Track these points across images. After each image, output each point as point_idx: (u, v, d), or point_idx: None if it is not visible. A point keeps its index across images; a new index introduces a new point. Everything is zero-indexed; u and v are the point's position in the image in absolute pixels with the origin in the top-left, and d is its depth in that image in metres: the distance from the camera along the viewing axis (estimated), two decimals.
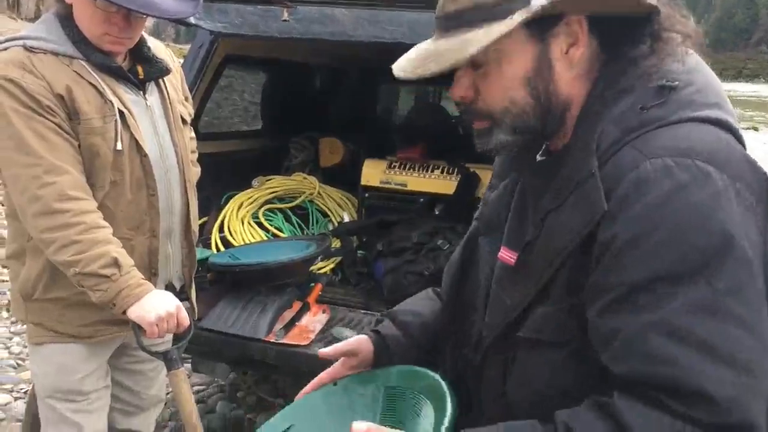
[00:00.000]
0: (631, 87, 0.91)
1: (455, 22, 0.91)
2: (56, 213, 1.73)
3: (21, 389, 3.54)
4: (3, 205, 6.03)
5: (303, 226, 3.59)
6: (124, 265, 1.77)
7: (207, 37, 3.24)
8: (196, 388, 3.60)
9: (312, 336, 2.65)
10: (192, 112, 2.21)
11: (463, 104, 0.97)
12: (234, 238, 3.28)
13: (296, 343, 2.60)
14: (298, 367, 2.53)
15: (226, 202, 3.48)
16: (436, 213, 3.39)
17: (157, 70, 1.99)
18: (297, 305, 2.82)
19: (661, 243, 0.81)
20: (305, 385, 1.19)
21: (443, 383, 0.99)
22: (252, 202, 3.51)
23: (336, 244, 3.37)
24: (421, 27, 2.56)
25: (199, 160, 2.28)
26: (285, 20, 2.78)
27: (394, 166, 3.53)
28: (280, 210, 3.59)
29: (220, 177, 3.32)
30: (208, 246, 3.20)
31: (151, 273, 1.98)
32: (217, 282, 2.90)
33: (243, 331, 2.63)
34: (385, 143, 3.87)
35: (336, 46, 3.70)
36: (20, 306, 1.95)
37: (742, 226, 0.82)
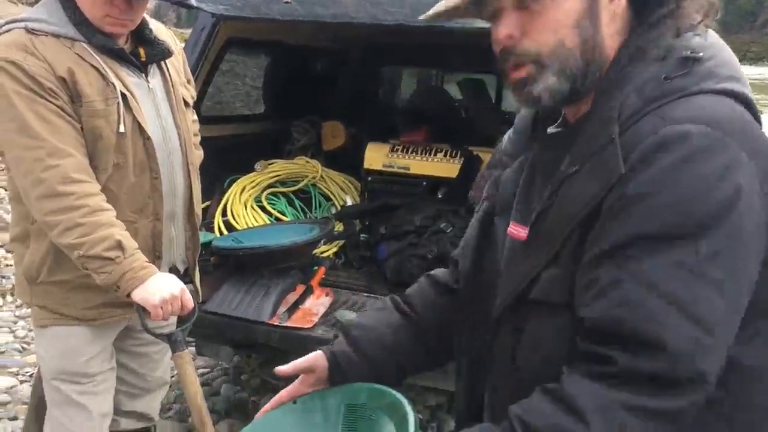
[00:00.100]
0: (656, 56, 0.91)
1: None
2: (60, 196, 1.73)
3: (26, 372, 3.56)
4: (6, 190, 6.05)
5: (306, 209, 3.59)
6: (128, 247, 1.77)
7: (209, 20, 3.22)
8: (200, 371, 3.62)
9: (315, 319, 2.66)
10: (194, 94, 2.21)
11: (505, 48, 0.95)
12: (237, 222, 3.28)
13: (300, 326, 2.61)
14: (302, 350, 2.53)
15: (229, 186, 3.48)
16: (439, 196, 3.38)
17: (159, 53, 1.98)
18: (300, 288, 2.83)
19: (664, 204, 0.83)
20: None
21: (404, 401, 0.98)
22: (255, 186, 3.51)
23: (339, 227, 3.37)
24: (423, 8, 2.54)
25: (202, 143, 2.28)
26: (287, 2, 2.77)
27: (397, 150, 3.52)
28: (283, 194, 3.59)
29: (223, 161, 3.32)
30: (211, 230, 3.20)
31: (155, 256, 1.98)
32: (220, 265, 2.91)
33: (247, 314, 2.64)
34: (388, 127, 3.86)
35: (338, 29, 3.68)
36: (25, 289, 1.96)
37: (748, 199, 0.83)
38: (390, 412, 1.00)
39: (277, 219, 3.41)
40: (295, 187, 3.62)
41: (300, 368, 1.14)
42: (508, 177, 1.09)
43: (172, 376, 2.42)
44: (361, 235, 3.36)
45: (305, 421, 1.10)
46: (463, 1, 0.94)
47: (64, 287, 1.91)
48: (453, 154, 3.41)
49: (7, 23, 1.81)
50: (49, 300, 1.93)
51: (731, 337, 0.85)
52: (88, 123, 1.80)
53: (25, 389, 3.32)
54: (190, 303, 1.88)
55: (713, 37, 0.96)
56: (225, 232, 3.21)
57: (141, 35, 1.96)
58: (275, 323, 2.62)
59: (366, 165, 3.55)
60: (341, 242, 3.30)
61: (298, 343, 2.55)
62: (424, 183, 3.43)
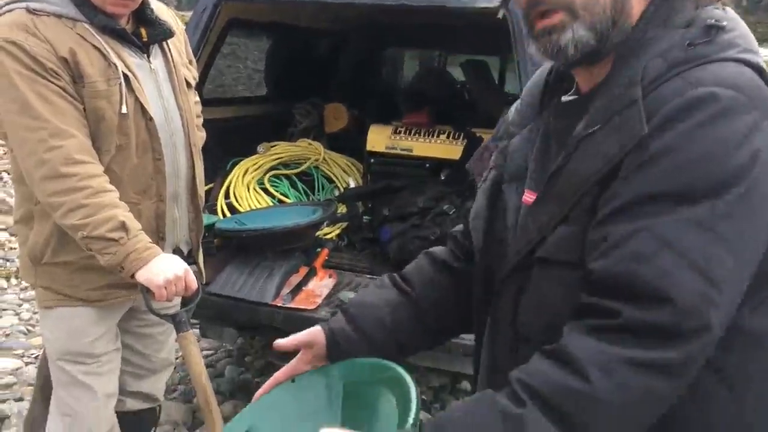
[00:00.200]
0: (679, 24, 0.93)
1: None
2: (63, 177, 1.73)
3: (32, 354, 3.59)
4: (9, 174, 6.06)
5: (309, 192, 3.59)
6: (131, 228, 1.77)
7: (210, 1, 3.20)
8: (204, 352, 3.64)
9: (319, 300, 2.67)
10: (196, 75, 2.20)
11: None
12: (240, 204, 3.28)
13: (303, 307, 2.62)
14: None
15: (232, 169, 3.48)
16: (442, 178, 3.38)
17: (160, 33, 1.97)
18: (303, 270, 2.83)
19: (687, 161, 0.83)
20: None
21: (404, 374, 0.97)
22: (257, 168, 3.50)
23: (342, 209, 3.37)
24: None
25: (204, 125, 2.27)
26: None
27: (400, 132, 3.51)
28: (286, 176, 3.59)
29: (225, 143, 3.31)
30: (214, 212, 3.21)
31: (158, 237, 1.98)
32: (223, 248, 2.91)
33: (250, 296, 2.66)
34: (391, 108, 3.85)
35: (340, 9, 3.66)
36: (29, 270, 1.96)
37: (764, 165, 0.84)
38: (392, 387, 0.98)
39: (280, 201, 3.41)
40: (298, 170, 3.62)
41: (299, 342, 1.13)
42: (516, 146, 1.09)
43: (177, 358, 2.44)
44: (364, 217, 3.36)
45: (305, 399, 1.09)
46: None
47: (69, 268, 1.91)
48: (456, 136, 3.40)
49: (8, 3, 1.81)
50: (53, 281, 1.93)
51: (738, 297, 0.86)
52: (90, 104, 1.80)
53: (31, 371, 3.35)
54: (194, 284, 1.89)
55: (732, 12, 0.97)
56: (228, 214, 3.22)
57: (142, 15, 1.94)
58: (279, 305, 2.63)
59: (369, 147, 3.54)
60: (344, 224, 3.31)
61: (301, 324, 2.51)
62: (427, 165, 3.43)
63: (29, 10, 1.76)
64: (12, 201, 4.28)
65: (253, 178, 3.45)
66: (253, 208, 3.27)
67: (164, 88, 1.98)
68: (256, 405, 1.10)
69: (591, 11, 0.93)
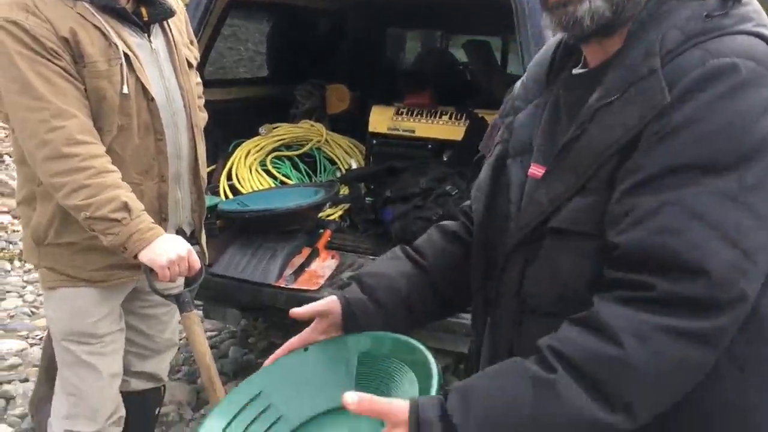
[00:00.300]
0: None
1: None
2: (65, 157, 1.73)
3: (36, 336, 3.61)
4: (11, 157, 6.06)
5: (311, 173, 3.58)
6: (134, 209, 1.77)
7: None
8: (208, 334, 3.65)
9: (321, 281, 2.68)
10: (197, 55, 2.19)
11: None
12: (242, 186, 3.28)
13: (306, 288, 2.63)
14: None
15: (234, 150, 3.47)
16: (445, 159, 3.37)
17: (161, 12, 1.96)
18: (306, 251, 2.84)
19: (709, 133, 0.83)
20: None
21: (423, 348, 0.97)
22: (259, 150, 3.50)
23: (344, 191, 3.37)
24: None
25: (205, 107, 2.26)
26: None
27: (402, 113, 3.50)
28: (288, 158, 3.58)
29: (227, 125, 3.31)
30: (216, 194, 3.21)
31: (161, 218, 1.98)
32: (226, 229, 2.91)
33: (253, 277, 2.66)
34: (393, 90, 3.83)
35: None
36: (33, 251, 1.97)
37: None
38: (408, 360, 0.98)
39: (282, 183, 3.41)
40: (300, 151, 3.61)
41: (315, 311, 1.12)
42: (522, 121, 1.08)
43: (181, 339, 2.45)
44: (367, 198, 3.36)
45: (318, 367, 1.08)
46: None
47: (72, 249, 1.92)
48: (458, 117, 3.39)
49: None
50: (57, 262, 1.94)
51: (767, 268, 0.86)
52: (91, 84, 1.79)
53: (35, 352, 3.37)
54: (197, 264, 1.89)
55: None
56: (230, 195, 3.22)
57: None
58: (281, 285, 2.64)
59: (371, 128, 3.53)
60: (346, 205, 3.31)
61: (304, 304, 2.56)
62: (429, 146, 3.42)
63: None
64: (14, 183, 4.28)
65: (255, 159, 3.44)
66: (256, 189, 3.26)
67: (165, 68, 1.97)
68: (267, 370, 1.09)
69: None
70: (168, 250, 1.80)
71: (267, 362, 1.11)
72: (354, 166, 3.60)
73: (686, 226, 0.82)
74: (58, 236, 1.90)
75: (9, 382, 3.15)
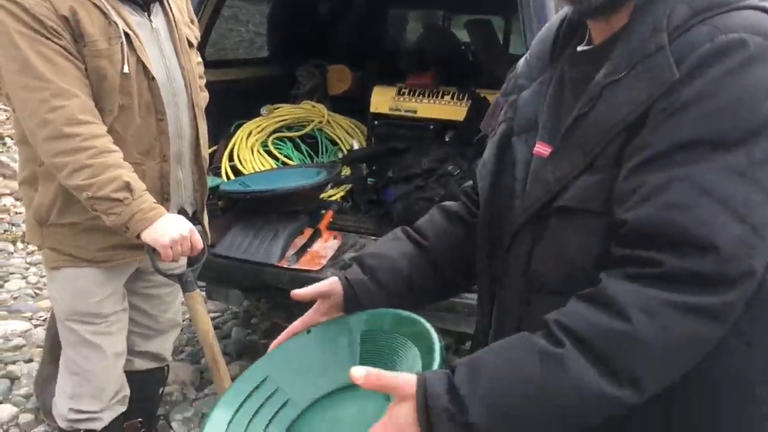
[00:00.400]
0: None
1: None
2: (67, 137, 1.73)
3: (40, 317, 3.62)
4: (12, 139, 6.06)
5: (312, 154, 3.58)
6: (136, 189, 1.77)
7: None
8: (211, 314, 3.67)
9: (324, 261, 2.68)
10: (198, 35, 2.18)
11: None
12: (244, 167, 3.27)
13: (308, 268, 2.63)
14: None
15: (235, 131, 3.46)
16: (447, 139, 3.36)
17: None
18: (308, 232, 2.84)
19: (719, 109, 0.83)
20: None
21: (425, 322, 0.97)
22: (261, 131, 3.49)
23: (346, 171, 3.37)
24: None
25: (206, 87, 2.26)
26: None
27: (404, 93, 3.48)
28: (289, 138, 3.57)
29: (228, 105, 3.29)
30: (218, 174, 3.20)
31: (162, 198, 1.98)
32: (228, 210, 2.92)
33: (256, 257, 2.67)
34: (395, 70, 3.81)
35: None
36: (35, 231, 1.97)
37: None
38: (410, 336, 0.98)
39: (284, 163, 3.40)
40: (302, 132, 3.60)
41: (317, 292, 1.13)
42: (526, 99, 1.07)
43: (184, 320, 2.46)
44: (368, 179, 3.36)
45: (321, 348, 1.08)
46: None
47: (74, 230, 1.92)
48: (460, 97, 3.37)
49: None
50: (59, 242, 1.94)
51: None
52: (91, 63, 1.78)
53: (39, 333, 3.39)
54: (199, 243, 1.89)
55: None
56: (232, 176, 3.21)
57: None
58: (284, 266, 2.65)
59: (372, 109, 3.52)
60: (348, 186, 3.30)
61: (307, 285, 2.56)
62: (431, 126, 3.40)
63: None
64: (16, 165, 4.28)
65: (256, 140, 3.43)
66: (257, 170, 3.26)
67: (166, 47, 1.96)
68: (272, 354, 1.10)
69: None
70: (170, 229, 1.80)
71: (271, 347, 1.12)
72: (356, 146, 3.59)
73: (695, 202, 0.82)
74: (61, 216, 1.90)
75: (14, 362, 3.17)
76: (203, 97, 2.17)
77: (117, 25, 1.81)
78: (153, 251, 1.84)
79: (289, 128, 3.61)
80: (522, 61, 1.15)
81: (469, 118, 3.25)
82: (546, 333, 0.85)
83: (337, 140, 3.64)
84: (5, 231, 4.84)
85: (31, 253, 4.44)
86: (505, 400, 0.83)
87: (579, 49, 1.03)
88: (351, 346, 1.06)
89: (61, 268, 1.97)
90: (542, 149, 1.01)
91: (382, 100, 3.49)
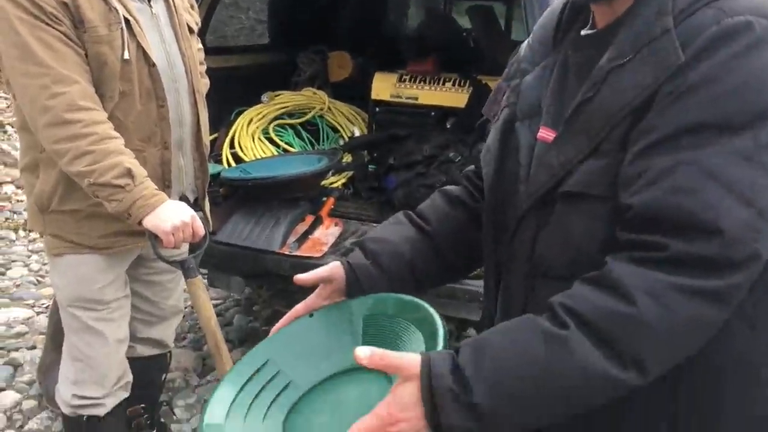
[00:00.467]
0: None
1: None
2: (67, 123, 1.73)
3: (42, 304, 3.64)
4: (13, 127, 6.05)
5: (313, 141, 3.57)
6: (137, 175, 1.77)
7: None
8: (213, 302, 3.66)
9: (325, 248, 2.68)
10: (198, 21, 2.17)
11: None
12: (245, 154, 3.27)
13: (310, 255, 2.64)
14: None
15: (236, 118, 3.46)
16: (448, 126, 3.35)
17: None
18: (310, 219, 2.84)
19: (725, 92, 0.83)
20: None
21: (427, 306, 0.97)
22: (262, 118, 3.48)
23: (347, 158, 3.36)
24: None
25: (207, 74, 2.25)
26: None
27: (405, 80, 3.47)
28: (291, 125, 3.57)
29: (229, 92, 3.28)
30: (219, 162, 3.20)
31: (164, 185, 1.98)
32: (229, 197, 2.92)
33: (257, 244, 2.67)
34: (396, 56, 3.80)
35: None
36: (37, 218, 1.97)
37: None
38: (413, 320, 0.98)
39: (285, 151, 3.40)
40: (303, 119, 3.60)
41: (319, 277, 1.13)
42: (530, 84, 1.07)
43: (186, 307, 2.47)
44: (369, 165, 3.35)
45: (324, 332, 1.08)
46: None
47: (76, 216, 1.92)
48: (461, 84, 3.36)
49: None
50: (61, 229, 1.94)
51: None
52: (92, 49, 1.78)
53: (42, 320, 3.40)
54: (201, 230, 1.89)
55: None
56: (233, 163, 3.21)
57: None
58: (285, 253, 2.65)
59: (373, 96, 3.51)
60: (350, 173, 3.30)
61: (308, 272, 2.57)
62: (433, 113, 3.39)
63: None
64: (17, 154, 4.27)
65: (257, 127, 3.43)
66: (258, 157, 3.26)
67: (166, 33, 1.96)
68: (274, 338, 1.10)
69: None
70: (172, 216, 1.80)
71: (272, 331, 1.12)
72: (357, 133, 3.58)
73: (701, 186, 0.82)
74: (62, 203, 1.90)
75: (17, 349, 3.18)
76: (204, 84, 2.17)
77: (117, 10, 1.80)
78: (155, 238, 1.84)
79: (290, 115, 3.60)
80: (524, 45, 1.14)
81: (471, 104, 3.24)
82: (551, 315, 0.85)
83: (338, 127, 3.64)
84: (7, 219, 4.85)
85: (33, 240, 4.45)
86: (509, 381, 0.83)
87: (582, 33, 1.03)
88: (353, 329, 1.06)
89: (63, 255, 1.97)
90: (546, 134, 1.00)
91: (383, 86, 3.48)
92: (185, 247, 2.01)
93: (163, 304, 2.25)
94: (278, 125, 3.52)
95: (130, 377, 2.13)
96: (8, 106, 6.72)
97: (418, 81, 3.45)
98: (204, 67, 2.22)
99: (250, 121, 3.44)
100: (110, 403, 2.07)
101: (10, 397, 2.83)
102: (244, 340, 3.36)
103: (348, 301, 1.11)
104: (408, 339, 0.98)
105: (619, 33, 0.93)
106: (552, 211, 0.95)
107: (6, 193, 5.28)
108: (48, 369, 2.63)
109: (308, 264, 2.63)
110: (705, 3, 0.87)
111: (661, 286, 0.81)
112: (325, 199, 2.97)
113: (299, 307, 1.13)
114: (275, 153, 3.34)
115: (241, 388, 1.02)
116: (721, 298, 0.82)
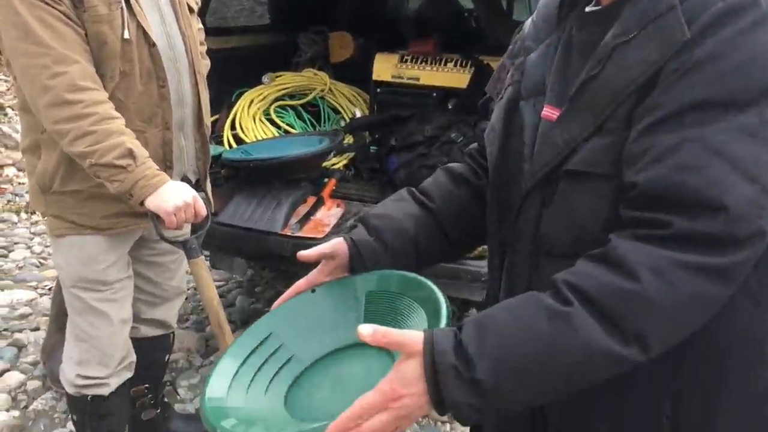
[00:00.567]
0: None
1: None
2: (68, 104, 1.72)
3: (45, 286, 3.65)
4: (14, 110, 6.03)
5: (314, 122, 3.56)
6: (139, 155, 1.77)
7: None
8: (215, 283, 3.68)
9: (327, 229, 2.69)
10: (198, 0, 2.16)
11: None
12: (246, 135, 3.26)
13: (312, 236, 2.64)
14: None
15: (237, 99, 3.45)
16: (450, 107, 3.34)
17: None
18: (311, 200, 2.84)
19: (731, 69, 0.83)
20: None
21: (430, 283, 0.97)
22: (263, 99, 3.47)
23: (348, 140, 3.36)
24: None
25: (208, 55, 2.24)
26: None
27: (406, 60, 3.46)
28: (292, 107, 3.56)
29: (229, 73, 3.27)
30: (220, 143, 3.20)
31: (165, 166, 1.98)
32: (231, 178, 2.92)
33: (259, 225, 2.67)
34: (397, 37, 3.77)
35: None
36: (39, 199, 1.97)
37: None
38: (416, 297, 0.98)
39: (286, 132, 3.39)
40: (304, 100, 3.59)
41: (322, 253, 1.12)
42: (534, 62, 1.06)
43: (189, 288, 2.48)
44: (371, 147, 3.35)
45: (326, 307, 1.08)
46: None
47: (78, 197, 1.92)
48: (463, 64, 3.34)
49: None
50: (63, 210, 1.94)
51: None
52: (92, 28, 1.77)
53: (45, 302, 3.41)
54: (203, 210, 1.89)
55: None
56: (234, 145, 3.21)
57: None
58: (287, 234, 2.65)
59: (375, 76, 3.49)
60: (351, 154, 3.29)
61: None
62: (434, 94, 3.38)
63: None
64: (18, 136, 4.27)
65: (258, 109, 3.42)
66: (260, 138, 3.25)
67: (166, 13, 1.95)
68: (276, 312, 1.10)
69: None
70: (174, 196, 1.80)
71: (275, 305, 1.11)
72: (358, 114, 3.57)
73: (706, 163, 0.81)
74: (64, 184, 1.90)
75: (20, 331, 3.20)
76: (204, 65, 2.16)
77: None
78: (157, 218, 1.84)
79: (291, 96, 3.59)
80: (528, 22, 1.13)
81: (472, 85, 3.23)
82: (554, 292, 0.85)
83: (340, 108, 3.62)
84: (9, 201, 4.85)
85: (36, 223, 4.45)
86: (513, 357, 0.83)
87: (587, 10, 1.02)
88: (356, 305, 1.06)
89: (65, 236, 1.97)
90: (550, 112, 1.00)
91: (385, 67, 3.47)
92: (187, 228, 2.01)
93: (166, 284, 2.25)
94: (279, 106, 3.51)
95: (133, 357, 2.14)
96: (8, 89, 6.70)
97: (419, 61, 3.43)
98: (204, 48, 2.21)
99: (251, 102, 3.43)
100: (114, 383, 2.08)
101: (15, 377, 2.85)
102: (246, 321, 3.37)
103: (351, 276, 1.11)
104: (410, 317, 0.98)
105: (624, 10, 0.92)
106: (556, 189, 0.95)
107: (8, 176, 5.28)
108: (52, 350, 2.65)
109: (310, 245, 2.60)
110: None
111: (665, 263, 0.81)
112: (326, 180, 2.97)
113: (301, 283, 1.12)
114: (276, 134, 3.33)
115: (243, 362, 1.03)
116: (725, 275, 0.82)
